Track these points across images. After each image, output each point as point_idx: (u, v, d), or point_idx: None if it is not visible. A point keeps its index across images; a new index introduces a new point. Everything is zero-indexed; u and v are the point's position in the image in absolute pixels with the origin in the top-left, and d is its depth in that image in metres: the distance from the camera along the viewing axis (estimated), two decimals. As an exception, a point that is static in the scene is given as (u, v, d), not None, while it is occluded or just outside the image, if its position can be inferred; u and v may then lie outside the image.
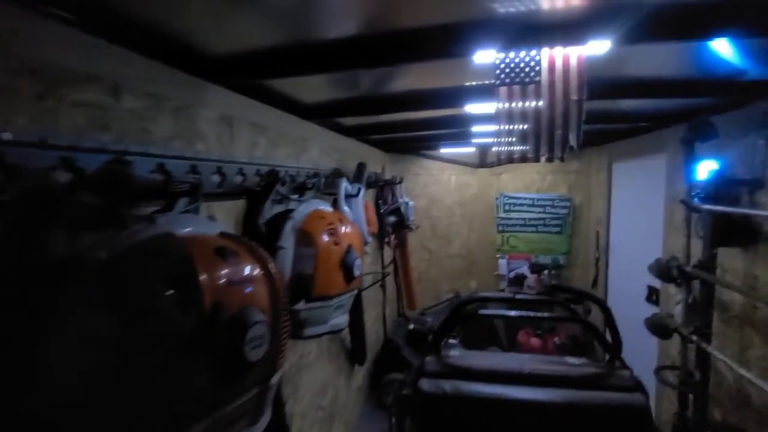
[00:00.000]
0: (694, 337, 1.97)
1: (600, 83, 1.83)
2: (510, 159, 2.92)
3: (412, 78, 1.80)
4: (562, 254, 4.51)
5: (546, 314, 1.49)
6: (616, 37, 1.09)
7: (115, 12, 0.91)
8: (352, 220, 2.05)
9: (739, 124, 1.94)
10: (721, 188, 1.96)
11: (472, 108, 2.07)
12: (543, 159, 1.33)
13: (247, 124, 1.58)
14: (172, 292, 0.66)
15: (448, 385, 1.13)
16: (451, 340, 2.70)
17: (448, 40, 1.20)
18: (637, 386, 1.11)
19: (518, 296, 1.40)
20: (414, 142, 4.19)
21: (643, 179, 3.19)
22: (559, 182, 4.59)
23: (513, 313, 1.57)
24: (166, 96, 1.13)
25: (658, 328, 2.19)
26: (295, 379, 2.02)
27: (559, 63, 1.11)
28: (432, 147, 4.47)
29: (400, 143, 4.21)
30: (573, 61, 1.11)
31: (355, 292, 1.68)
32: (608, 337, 1.39)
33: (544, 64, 1.12)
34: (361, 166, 2.62)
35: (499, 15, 1.11)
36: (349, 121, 2.71)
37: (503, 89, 1.20)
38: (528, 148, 1.25)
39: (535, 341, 3.82)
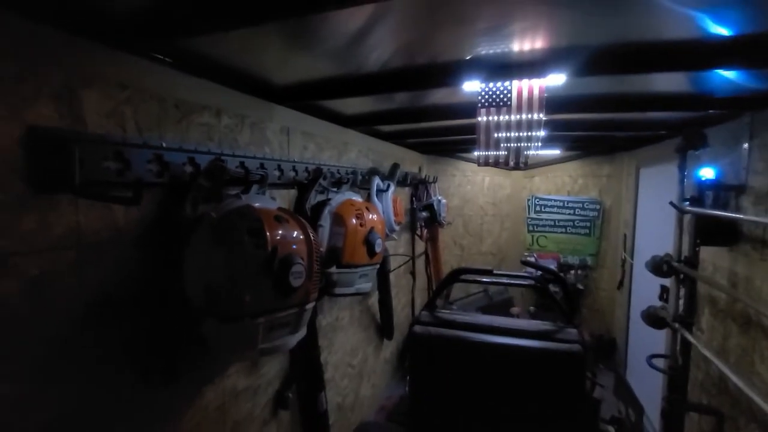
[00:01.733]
0: (677, 326, 2.20)
1: (610, 98, 2.13)
2: (487, 163, 3.25)
3: (440, 94, 2.20)
4: (590, 255, 4.65)
5: (509, 281, 1.81)
6: (569, 72, 1.44)
7: (214, 60, 1.42)
8: (380, 210, 2.51)
9: (728, 135, 2.14)
10: (711, 193, 2.17)
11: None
12: (511, 164, 1.69)
13: (300, 133, 2.10)
14: (250, 237, 1.15)
15: (434, 331, 1.54)
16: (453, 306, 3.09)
17: (447, 74, 1.62)
18: (578, 341, 1.44)
19: (496, 271, 1.75)
20: (449, 146, 4.56)
21: (663, 184, 3.32)
22: (590, 185, 4.72)
23: (486, 279, 1.93)
24: (247, 115, 1.65)
25: (651, 319, 2.42)
26: (331, 336, 2.52)
27: (525, 91, 1.48)
28: (466, 150, 4.81)
29: (437, 146, 4.60)
30: (536, 90, 1.47)
31: (377, 265, 2.14)
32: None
33: (514, 92, 1.50)
34: (393, 167, 3.06)
35: (482, 55, 1.50)
36: (386, 127, 3.17)
37: (484, 109, 1.59)
38: (502, 155, 1.62)
39: (515, 309, 4.41)
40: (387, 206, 2.70)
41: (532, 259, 4.78)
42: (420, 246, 4.36)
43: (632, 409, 2.96)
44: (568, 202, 4.75)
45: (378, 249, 2.01)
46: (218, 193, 1.32)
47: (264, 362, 1.82)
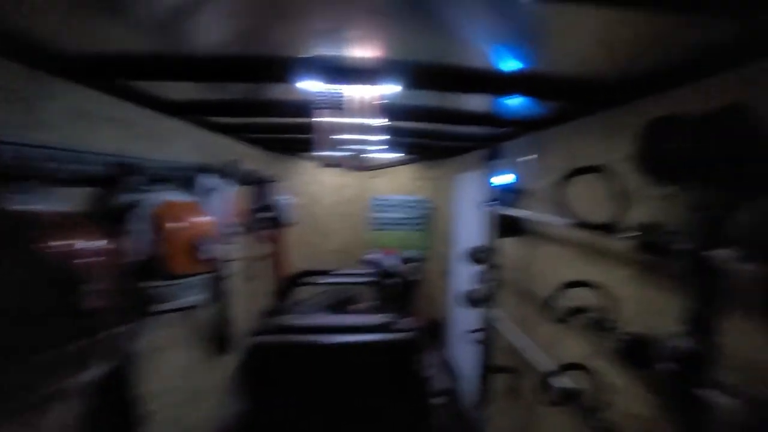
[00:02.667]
0: (484, 304, 2.66)
1: (430, 111, 2.40)
2: (329, 164, 3.40)
3: (283, 89, 2.07)
4: (424, 249, 5.26)
5: (349, 279, 1.91)
6: (400, 83, 1.56)
7: None
8: (214, 212, 2.26)
9: (515, 150, 2.69)
10: (505, 195, 2.69)
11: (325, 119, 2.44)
12: (352, 166, 1.75)
13: (105, 118, 1.70)
14: (21, 254, 0.86)
15: (274, 339, 1.46)
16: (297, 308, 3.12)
17: (284, 70, 1.54)
18: (411, 329, 1.60)
19: (336, 271, 1.80)
20: (295, 144, 4.46)
21: (472, 187, 3.99)
22: (421, 187, 5.35)
23: (325, 280, 1.98)
24: (15, 88, 1.23)
25: (466, 300, 2.87)
26: (155, 359, 2.13)
27: (362, 97, 1.54)
28: (308, 149, 4.79)
29: (282, 144, 4.44)
30: (372, 97, 1.54)
31: (209, 275, 1.91)
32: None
33: (352, 96, 1.53)
34: (230, 164, 2.81)
35: (319, 56, 1.48)
36: (223, 119, 2.87)
37: (322, 110, 1.58)
38: (344, 156, 1.65)
39: (360, 305, 4.60)
40: (221, 207, 2.45)
41: (375, 257, 5.11)
42: (265, 248, 4.14)
43: (456, 381, 3.46)
44: (406, 201, 5.27)
45: (207, 255, 1.79)
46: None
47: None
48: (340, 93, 1.52)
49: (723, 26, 0.99)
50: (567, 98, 1.84)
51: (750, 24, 0.98)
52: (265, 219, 3.95)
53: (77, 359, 1.03)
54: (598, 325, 1.44)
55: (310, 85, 1.58)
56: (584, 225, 1.40)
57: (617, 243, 1.63)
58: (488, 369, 2.78)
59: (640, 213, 1.45)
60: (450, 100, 2.22)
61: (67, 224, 1.04)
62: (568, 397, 1.55)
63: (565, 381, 1.56)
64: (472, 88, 1.69)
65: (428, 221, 5.25)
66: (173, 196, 1.80)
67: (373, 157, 3.77)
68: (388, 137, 3.16)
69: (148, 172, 1.77)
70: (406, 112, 2.37)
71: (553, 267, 2.16)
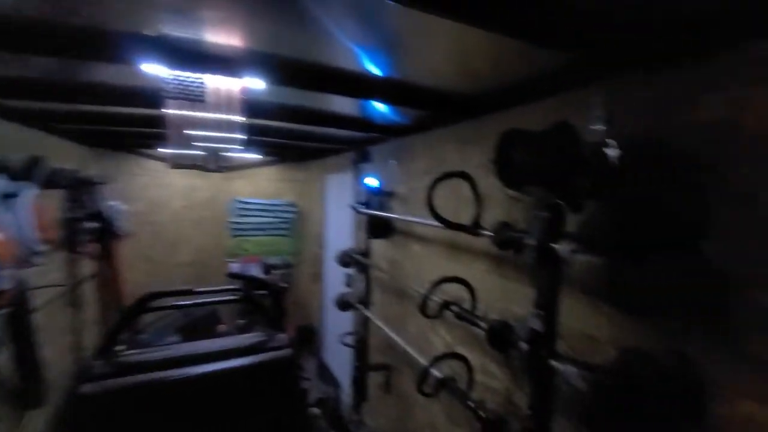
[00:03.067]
0: (359, 306, 2.69)
1: (297, 111, 2.28)
2: (180, 164, 3.05)
3: (113, 71, 1.65)
4: (291, 254, 5.06)
5: (214, 298, 1.69)
6: (264, 77, 1.42)
7: None
8: (10, 225, 1.69)
9: (383, 153, 2.79)
10: (375, 197, 2.76)
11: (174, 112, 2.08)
12: (211, 167, 1.53)
13: None
14: None
15: (113, 384, 1.15)
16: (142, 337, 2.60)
17: (118, 47, 1.23)
18: (288, 345, 1.48)
19: (197, 288, 1.54)
20: (130, 139, 3.72)
21: (342, 189, 4.02)
22: (286, 189, 5.13)
23: (184, 302, 1.71)
24: None
25: (340, 302, 2.85)
26: None
27: (224, 89, 1.34)
28: (149, 146, 4.09)
29: (111, 138, 3.65)
30: (236, 90, 1.36)
31: (4, 311, 1.41)
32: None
33: (211, 87, 1.32)
34: (32, 161, 2.15)
35: (167, 36, 1.23)
36: (18, 103, 2.17)
37: (174, 101, 1.33)
38: (199, 156, 1.42)
39: (222, 327, 4.22)
40: (22, 219, 1.85)
41: (237, 266, 4.67)
42: (88, 266, 3.34)
43: (333, 386, 3.40)
44: (269, 205, 4.96)
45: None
46: None
47: None
48: (198, 82, 1.30)
49: (556, 56, 1.19)
50: (425, 108, 1.97)
51: (572, 58, 1.19)
52: (91, 231, 3.18)
53: None
54: (466, 316, 1.58)
55: (157, 70, 1.31)
56: (450, 225, 1.52)
57: (477, 241, 1.83)
58: (364, 369, 2.81)
59: (495, 213, 1.65)
60: (318, 100, 2.16)
61: None
62: (443, 385, 1.66)
63: (440, 371, 1.67)
64: (335, 88, 1.65)
65: (296, 225, 5.07)
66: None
67: (232, 157, 3.41)
68: (250, 136, 2.91)
69: None
70: (271, 110, 2.20)
71: (422, 265, 2.31)
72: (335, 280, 4.50)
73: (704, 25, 0.91)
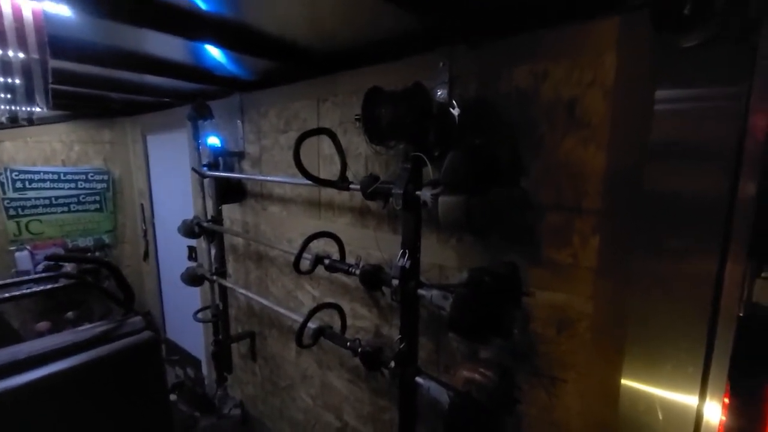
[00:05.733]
0: (215, 278, 2.50)
1: (87, 48, 1.79)
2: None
3: None
4: (106, 233, 4.16)
5: (30, 291, 1.35)
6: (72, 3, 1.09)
7: None
8: None
9: (228, 110, 2.54)
10: (222, 158, 2.52)
11: None
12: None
13: None
14: None
15: None
16: None
17: None
18: (147, 327, 1.30)
19: (19, 280, 1.17)
20: None
21: (173, 151, 3.48)
22: (90, 153, 4.09)
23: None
24: None
25: (191, 278, 2.58)
26: None
27: (8, 12, 0.98)
28: None
29: None
30: (27, 14, 1.01)
31: None
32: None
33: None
34: None
35: None
36: None
37: None
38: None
39: (43, 324, 3.64)
40: None
41: (25, 255, 3.61)
42: None
43: (190, 367, 3.11)
44: (67, 173, 3.88)
45: None
46: None
47: None
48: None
49: (409, 19, 1.30)
50: (271, 57, 1.85)
51: (426, 20, 1.32)
52: None
53: None
54: (340, 266, 1.68)
55: None
56: (320, 182, 1.55)
57: (339, 195, 1.92)
58: (225, 341, 2.67)
59: (355, 168, 1.75)
60: (128, 38, 1.75)
61: None
62: (321, 333, 1.75)
63: (313, 323, 1.74)
64: (155, 22, 1.38)
65: (108, 197, 4.15)
66: None
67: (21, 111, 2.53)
68: (30, 81, 2.18)
69: None
70: (63, 48, 1.70)
71: (282, 225, 2.28)
72: (170, 255, 3.98)
73: (518, 8, 1.16)
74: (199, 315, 2.65)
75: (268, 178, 2.22)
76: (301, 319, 1.73)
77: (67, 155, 3.99)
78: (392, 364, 1.49)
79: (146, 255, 4.30)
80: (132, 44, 1.81)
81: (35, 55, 1.05)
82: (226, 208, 2.59)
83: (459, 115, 1.37)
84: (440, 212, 1.20)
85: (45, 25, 1.05)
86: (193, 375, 3.00)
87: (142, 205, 4.16)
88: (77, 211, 3.99)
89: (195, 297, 3.20)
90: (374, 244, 1.73)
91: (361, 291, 1.85)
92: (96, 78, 2.41)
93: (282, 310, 2.08)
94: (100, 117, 4.08)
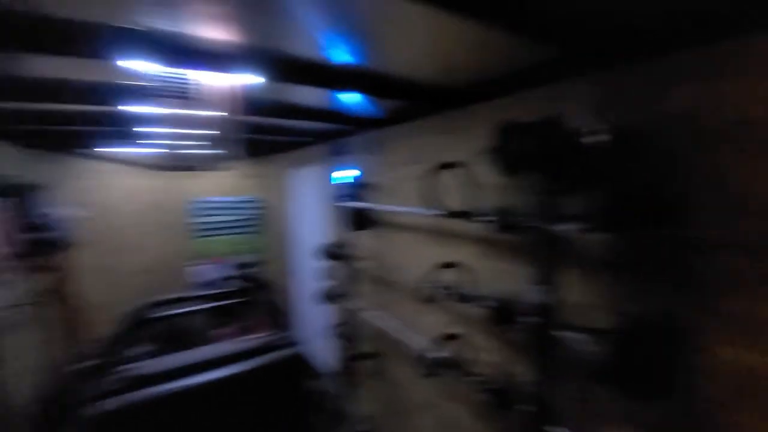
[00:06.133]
0: (345, 298, 2.71)
1: (268, 104, 2.20)
2: (189, 166, 2.83)
3: (55, 64, 1.51)
4: (260, 252, 4.92)
5: (224, 303, 1.64)
6: (264, 74, 1.37)
7: None
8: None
9: (361, 145, 2.80)
10: (355, 190, 2.77)
11: (133, 109, 1.94)
12: (213, 167, 1.48)
13: None
14: None
15: (112, 403, 1.09)
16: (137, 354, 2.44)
17: (91, 40, 1.13)
18: (293, 343, 1.47)
19: (201, 294, 1.48)
20: (73, 139, 3.38)
21: (311, 183, 3.97)
22: (250, 185, 4.95)
23: (191, 308, 1.65)
24: None
25: (324, 297, 2.85)
26: None
27: (216, 86, 1.29)
28: (96, 146, 3.75)
29: (48, 139, 3.30)
30: (230, 87, 1.31)
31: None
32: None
33: (202, 83, 1.26)
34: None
35: (148, 29, 1.15)
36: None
37: (157, 98, 1.25)
38: (198, 156, 1.36)
39: (223, 332, 4.08)
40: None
41: (204, 268, 4.47)
42: (36, 282, 3.04)
43: (320, 380, 3.39)
44: (232, 202, 4.77)
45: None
46: None
47: None
48: (182, 78, 1.23)
49: (541, 49, 1.27)
50: (402, 98, 1.99)
51: (560, 50, 1.28)
52: (37, 242, 2.90)
53: None
54: (470, 296, 1.67)
55: (134, 64, 1.22)
56: (452, 214, 1.58)
57: (466, 226, 1.92)
58: (353, 358, 2.85)
59: (491, 200, 1.75)
60: (286, 93, 2.09)
61: None
62: (444, 364, 1.75)
63: (439, 352, 1.75)
64: (309, 80, 1.60)
65: (262, 222, 4.92)
66: None
67: (193, 155, 3.24)
68: (217, 132, 2.77)
69: None
70: (249, 106, 2.12)
71: (409, 254, 2.37)
72: (307, 274, 4.45)
73: (672, 25, 1.04)
74: (331, 331, 2.90)
75: (399, 208, 2.35)
76: (424, 346, 1.75)
77: (232, 187, 4.87)
78: (522, 407, 1.40)
79: (288, 272, 4.91)
80: (287, 97, 2.17)
81: (233, 114, 1.34)
82: (357, 235, 2.82)
83: (605, 144, 1.27)
84: (587, 249, 1.12)
85: (243, 91, 1.34)
86: (323, 389, 3.26)
87: (286, 228, 4.80)
88: (239, 233, 4.81)
89: (325, 314, 3.51)
90: (503, 277, 1.68)
91: (488, 324, 1.80)
92: (260, 125, 2.92)
93: (406, 336, 2.14)
94: (260, 156, 4.90)
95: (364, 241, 2.87)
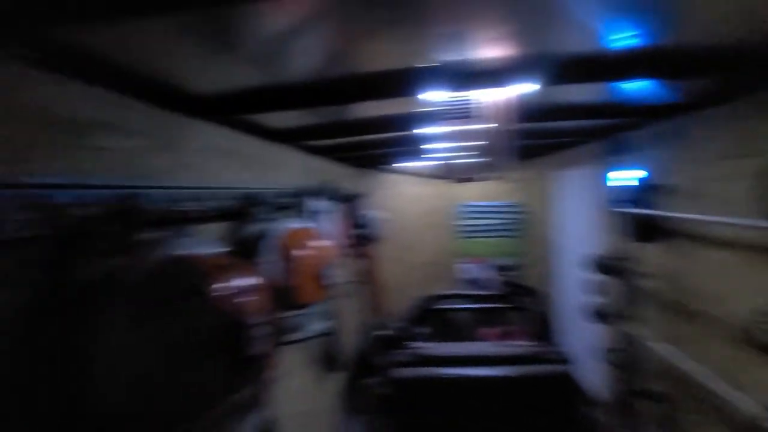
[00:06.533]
0: (620, 321, 2.31)
1: (535, 109, 2.17)
2: (467, 178, 3.09)
3: (370, 105, 2.03)
4: (519, 256, 4.91)
5: (493, 305, 1.72)
6: (539, 80, 1.37)
7: (112, 64, 1.05)
8: (327, 235, 2.25)
9: (644, 140, 2.32)
10: (638, 193, 2.33)
11: (423, 130, 2.33)
12: (487, 177, 1.59)
13: (223, 151, 1.76)
14: (189, 303, 0.84)
15: (412, 372, 1.35)
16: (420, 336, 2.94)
17: (399, 83, 1.45)
18: (564, 360, 1.38)
19: (473, 293, 1.62)
20: (380, 158, 4.45)
21: (576, 186, 3.60)
22: (513, 190, 5.02)
23: (465, 306, 1.82)
24: (160, 133, 1.29)
25: (593, 314, 2.53)
26: (278, 383, 2.16)
27: (493, 101, 1.38)
28: (397, 162, 4.75)
29: (368, 159, 4.46)
30: (505, 99, 1.38)
31: (330, 300, 1.87)
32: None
33: (482, 101, 1.38)
34: (332, 185, 2.82)
35: (441, 64, 1.36)
36: (318, 142, 2.91)
37: (447, 120, 1.46)
38: (475, 166, 1.50)
39: (491, 332, 4.21)
40: (333, 229, 2.44)
41: (466, 267, 4.87)
42: (358, 265, 4.15)
43: (585, 404, 3.06)
44: (495, 207, 4.99)
45: (332, 282, 1.75)
46: (131, 243, 0.96)
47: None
48: (467, 99, 1.38)
49: None
50: (711, 74, 1.50)
51: None
52: (359, 236, 3.95)
53: (243, 406, 0.99)
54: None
55: (430, 95, 1.47)
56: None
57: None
58: (631, 394, 2.40)
59: None
60: (559, 94, 1.95)
61: (224, 265, 1.01)
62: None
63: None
64: (588, 75, 1.44)
65: (522, 226, 4.90)
66: (294, 223, 1.79)
67: (469, 164, 3.57)
68: (492, 143, 2.95)
69: (268, 201, 1.80)
70: (519, 113, 2.15)
71: (730, 279, 1.77)
72: (571, 285, 4.07)
73: None
74: (602, 355, 2.54)
75: (710, 217, 1.80)
76: (745, 405, 1.27)
77: (496, 192, 5.07)
78: None
79: (545, 279, 4.67)
80: (561, 98, 2.05)
81: (507, 124, 1.41)
82: (640, 247, 2.35)
83: None
84: None
85: (517, 101, 1.39)
86: (594, 418, 2.90)
87: (546, 234, 4.57)
88: (500, 236, 4.97)
89: (594, 333, 3.10)
90: None
91: None
92: (530, 131, 2.90)
93: (719, 387, 1.61)
94: (525, 159, 4.90)
95: (651, 255, 2.35)
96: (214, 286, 0.90)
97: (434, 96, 1.55)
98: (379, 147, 3.30)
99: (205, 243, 1.16)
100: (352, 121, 2.34)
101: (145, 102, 1.23)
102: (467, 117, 1.44)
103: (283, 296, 1.61)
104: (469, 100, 1.44)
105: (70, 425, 0.78)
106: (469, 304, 1.80)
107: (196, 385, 0.83)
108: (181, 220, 1.15)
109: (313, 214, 2.32)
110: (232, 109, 1.59)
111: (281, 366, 2.17)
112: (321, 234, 2.04)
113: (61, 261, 0.84)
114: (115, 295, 0.83)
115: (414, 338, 1.55)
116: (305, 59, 1.30)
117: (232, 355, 0.89)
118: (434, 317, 2.46)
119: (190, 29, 0.96)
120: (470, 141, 1.70)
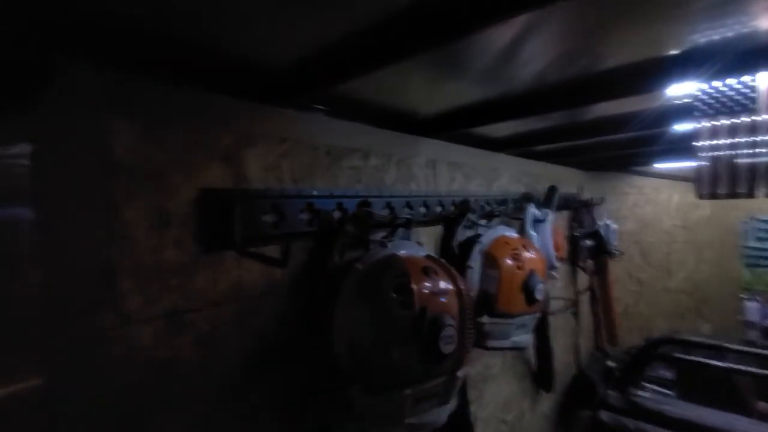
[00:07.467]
0: None
1: None
2: (714, 193, 2.10)
3: (604, 105, 1.79)
4: None
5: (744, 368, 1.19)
6: None
7: (363, 101, 1.37)
8: (539, 245, 2.15)
9: None
10: None
11: (684, 126, 1.86)
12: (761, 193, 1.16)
13: (446, 163, 1.94)
14: (395, 295, 1.01)
15: (630, 423, 1.12)
16: (650, 384, 2.29)
17: (639, 79, 1.23)
18: None
19: (734, 347, 1.17)
20: (617, 160, 3.79)
21: None
22: None
23: (721, 363, 1.34)
24: (393, 152, 1.58)
25: None
26: (481, 387, 2.23)
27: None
28: (641, 164, 3.93)
29: (601, 162, 3.88)
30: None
31: (538, 314, 1.79)
32: None
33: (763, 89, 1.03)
34: (550, 191, 2.64)
35: (700, 46, 1.08)
36: (540, 147, 2.78)
37: (707, 117, 1.14)
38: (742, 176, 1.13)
39: (764, 405, 2.75)
40: (546, 239, 2.30)
41: (755, 304, 3.53)
42: (583, 280, 3.69)
43: None
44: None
45: (539, 296, 1.67)
46: (365, 240, 1.24)
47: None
48: (742, 87, 1.05)
49: None
50: None
51: None
52: (588, 248, 3.51)
53: (435, 395, 1.10)
54: None
55: (678, 89, 1.19)
56: None
57: None
58: None
59: None
60: None
61: (431, 267, 1.14)
62: None
63: None
64: None
65: None
66: (505, 231, 1.81)
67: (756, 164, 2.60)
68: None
69: (483, 208, 1.88)
70: None
71: None
72: None
73: None
74: None
75: None
76: None
77: (822, 205, 3.44)
78: None
79: None
80: None
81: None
82: None
83: None
84: None
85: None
86: None
87: None
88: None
89: None
90: None
91: None
92: None
93: None
94: None
95: None
96: (420, 284, 1.06)
97: (692, 87, 1.24)
98: (623, 147, 2.83)
99: (417, 247, 1.35)
100: (580, 123, 2.12)
101: (386, 128, 1.54)
102: (744, 109, 1.09)
103: (487, 302, 1.66)
104: (748, 87, 1.08)
105: (315, 369, 1.09)
106: (744, 359, 1.29)
107: (397, 361, 1.00)
108: (402, 223, 1.37)
109: (530, 223, 2.26)
110: (455, 125, 1.74)
111: (484, 369, 2.23)
112: (535, 245, 1.97)
113: (321, 249, 1.18)
114: (351, 278, 1.10)
115: (641, 380, 1.26)
116: (531, 67, 1.29)
117: (425, 347, 1.02)
118: (680, 364, 1.89)
119: (422, 63, 1.13)
120: (754, 136, 1.26)
